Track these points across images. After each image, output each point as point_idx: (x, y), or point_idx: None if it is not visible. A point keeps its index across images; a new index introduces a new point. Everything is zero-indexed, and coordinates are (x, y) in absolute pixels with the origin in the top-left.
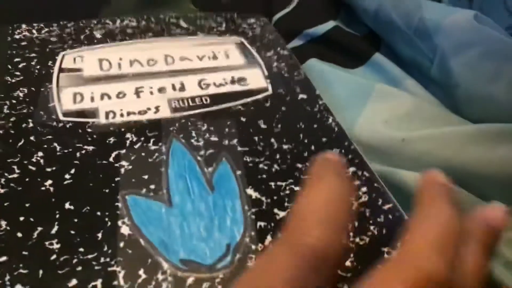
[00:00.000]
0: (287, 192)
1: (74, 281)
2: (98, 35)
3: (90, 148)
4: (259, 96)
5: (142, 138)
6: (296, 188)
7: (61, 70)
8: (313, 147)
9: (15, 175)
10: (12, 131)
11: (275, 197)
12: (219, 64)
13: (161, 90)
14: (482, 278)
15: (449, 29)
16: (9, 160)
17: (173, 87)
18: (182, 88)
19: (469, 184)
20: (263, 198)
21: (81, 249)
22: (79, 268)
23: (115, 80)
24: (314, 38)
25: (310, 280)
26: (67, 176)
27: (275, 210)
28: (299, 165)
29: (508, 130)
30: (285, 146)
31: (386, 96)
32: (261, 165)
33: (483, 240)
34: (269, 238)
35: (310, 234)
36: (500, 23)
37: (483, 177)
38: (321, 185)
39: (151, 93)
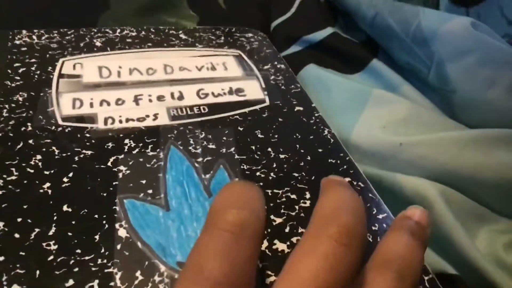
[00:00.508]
0: (284, 199)
1: (70, 282)
2: (98, 43)
3: (89, 152)
4: (257, 107)
5: (140, 144)
6: (293, 196)
7: (60, 76)
8: (309, 157)
9: (13, 177)
10: (11, 134)
11: (271, 204)
12: (217, 75)
13: (160, 98)
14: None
15: (446, 36)
16: (7, 163)
17: (172, 96)
18: (181, 97)
19: (466, 189)
20: None
21: (78, 251)
22: (76, 269)
23: (114, 88)
24: (312, 44)
25: None
26: (65, 179)
27: (272, 217)
28: (296, 174)
29: (505, 136)
30: (281, 156)
31: (384, 102)
32: (258, 173)
33: (406, 226)
34: (265, 243)
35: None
36: (497, 31)
37: (480, 181)
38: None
39: (150, 101)
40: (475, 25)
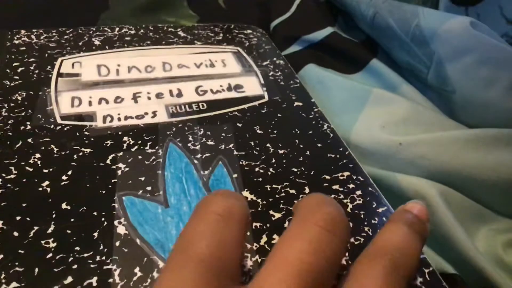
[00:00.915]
0: (283, 194)
1: (69, 279)
2: (96, 42)
3: (87, 150)
4: (256, 103)
5: (139, 142)
6: (292, 191)
7: (59, 74)
8: (308, 152)
9: (12, 176)
10: (10, 134)
11: (270, 199)
12: (216, 71)
13: (158, 95)
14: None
15: (445, 36)
16: (6, 162)
17: (171, 93)
18: (180, 94)
19: (465, 188)
20: (259, 200)
21: (77, 248)
22: (75, 266)
23: (113, 86)
24: (312, 44)
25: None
26: (64, 177)
27: (271, 212)
28: (295, 169)
29: (504, 135)
30: (280, 151)
31: (383, 101)
32: (257, 169)
33: (404, 218)
34: (264, 238)
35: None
36: (497, 30)
37: (480, 181)
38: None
39: (149, 98)
40: (475, 24)
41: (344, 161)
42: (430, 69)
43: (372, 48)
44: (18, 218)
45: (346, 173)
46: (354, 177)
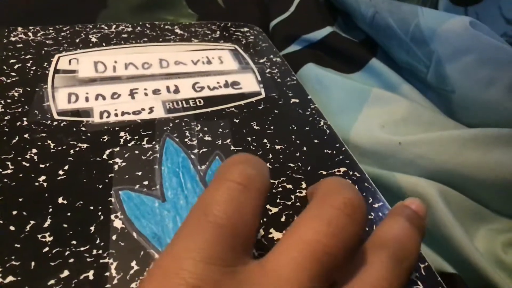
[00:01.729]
0: (280, 189)
1: (66, 272)
2: (93, 39)
3: (84, 145)
4: (252, 99)
5: (136, 137)
6: (289, 186)
7: (56, 71)
8: (305, 148)
9: (9, 171)
10: (7, 129)
11: (267, 194)
12: (213, 68)
13: (155, 92)
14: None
15: (445, 36)
16: (2, 157)
17: (168, 89)
18: (177, 90)
19: (465, 188)
20: None
21: (74, 242)
22: (71, 260)
23: (110, 82)
24: (312, 43)
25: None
26: (60, 172)
27: (268, 206)
28: (291, 164)
29: (504, 135)
30: (277, 147)
31: (383, 101)
32: None
33: (404, 213)
34: (261, 232)
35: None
36: (496, 30)
37: (479, 181)
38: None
39: (146, 94)
40: (474, 24)
41: (341, 157)
42: (430, 69)
43: (371, 48)
44: (14, 212)
45: (343, 169)
46: (351, 173)
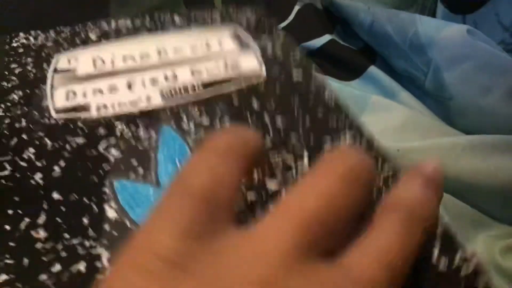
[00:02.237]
0: (281, 165)
1: (57, 267)
2: (93, 36)
3: (81, 140)
4: (253, 81)
5: (133, 127)
6: (290, 163)
7: (55, 71)
8: (308, 122)
9: (6, 172)
10: (6, 132)
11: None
12: (212, 51)
13: (153, 81)
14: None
15: (443, 43)
16: (0, 159)
17: (166, 78)
18: (175, 78)
19: (463, 194)
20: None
21: (67, 236)
22: (64, 254)
23: (108, 76)
24: (310, 51)
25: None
26: (56, 168)
27: (268, 183)
28: (293, 139)
29: (502, 141)
30: (279, 127)
31: (381, 108)
32: None
33: (419, 174)
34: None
35: (196, 176)
36: (493, 37)
37: (477, 187)
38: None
39: (143, 85)
40: (471, 32)
41: (347, 130)
42: (428, 76)
43: (370, 56)
44: (10, 212)
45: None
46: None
